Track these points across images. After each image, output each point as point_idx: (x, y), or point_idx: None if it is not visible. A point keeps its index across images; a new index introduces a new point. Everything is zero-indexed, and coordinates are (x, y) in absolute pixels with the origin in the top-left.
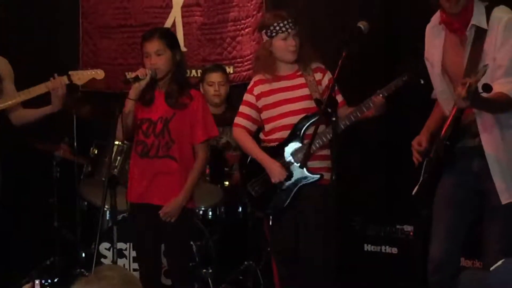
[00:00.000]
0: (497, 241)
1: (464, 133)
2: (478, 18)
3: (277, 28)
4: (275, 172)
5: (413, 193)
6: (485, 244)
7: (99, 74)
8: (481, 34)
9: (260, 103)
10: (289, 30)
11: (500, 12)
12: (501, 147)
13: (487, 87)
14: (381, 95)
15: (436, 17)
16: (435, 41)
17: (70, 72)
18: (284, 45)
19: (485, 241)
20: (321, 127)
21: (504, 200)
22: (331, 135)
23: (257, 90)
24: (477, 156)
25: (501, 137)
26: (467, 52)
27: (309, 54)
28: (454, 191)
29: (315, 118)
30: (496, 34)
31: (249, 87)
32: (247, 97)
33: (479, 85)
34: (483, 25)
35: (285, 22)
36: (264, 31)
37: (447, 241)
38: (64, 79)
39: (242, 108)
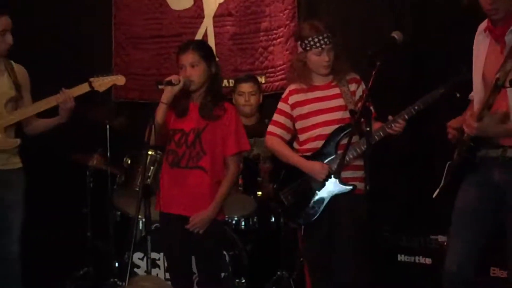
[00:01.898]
0: None
1: (487, 143)
2: None
3: (312, 42)
4: (317, 169)
5: (434, 196)
6: (510, 255)
7: (120, 79)
8: None
9: (295, 113)
10: (324, 46)
11: None
12: None
13: None
14: (416, 108)
15: (482, 25)
16: (480, 47)
17: (90, 79)
18: (317, 59)
19: (510, 252)
20: (355, 138)
21: None
22: (364, 146)
23: (292, 99)
24: (499, 167)
25: None
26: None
27: (344, 66)
28: (474, 203)
29: (349, 129)
30: None
31: (283, 96)
32: (281, 105)
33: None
34: None
35: (321, 37)
36: (300, 42)
37: (461, 255)
38: (85, 86)
39: (276, 117)
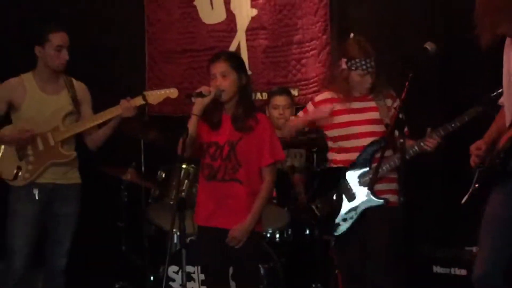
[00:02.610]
0: None
1: None
2: None
3: (358, 64)
4: (320, 109)
5: (463, 202)
6: None
7: (173, 92)
8: None
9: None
10: (369, 70)
11: None
12: None
13: None
14: (453, 126)
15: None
16: (508, 57)
17: (144, 92)
18: (361, 81)
19: None
20: (388, 152)
21: None
22: (398, 159)
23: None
24: None
25: None
26: None
27: (383, 85)
28: (502, 211)
29: (384, 143)
30: None
31: (317, 100)
32: (310, 107)
33: None
34: None
35: (368, 61)
36: (346, 60)
37: (488, 263)
38: (139, 100)
39: (301, 114)
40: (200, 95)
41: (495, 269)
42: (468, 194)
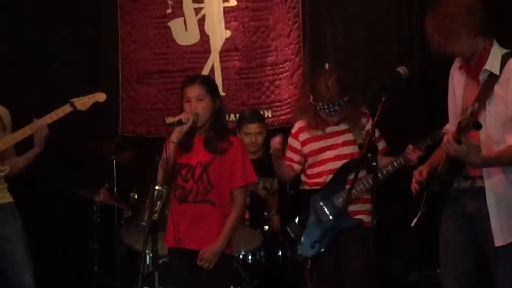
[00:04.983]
0: (508, 280)
1: (458, 174)
2: (491, 63)
3: (322, 107)
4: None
5: (412, 225)
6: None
7: (100, 96)
8: (492, 78)
9: (306, 149)
10: (332, 113)
11: None
12: (502, 190)
13: (477, 125)
14: (421, 147)
15: (457, 61)
16: (456, 84)
17: (72, 100)
18: (326, 118)
19: (496, 282)
20: (362, 173)
21: (497, 243)
22: (371, 180)
23: (302, 136)
24: (470, 198)
25: (505, 179)
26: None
27: (355, 113)
28: (455, 237)
29: (357, 164)
30: (508, 79)
31: (293, 132)
32: (292, 142)
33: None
34: (495, 70)
35: (331, 106)
36: (312, 96)
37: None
38: (68, 108)
39: (288, 153)
40: (180, 123)
41: None
42: (417, 217)
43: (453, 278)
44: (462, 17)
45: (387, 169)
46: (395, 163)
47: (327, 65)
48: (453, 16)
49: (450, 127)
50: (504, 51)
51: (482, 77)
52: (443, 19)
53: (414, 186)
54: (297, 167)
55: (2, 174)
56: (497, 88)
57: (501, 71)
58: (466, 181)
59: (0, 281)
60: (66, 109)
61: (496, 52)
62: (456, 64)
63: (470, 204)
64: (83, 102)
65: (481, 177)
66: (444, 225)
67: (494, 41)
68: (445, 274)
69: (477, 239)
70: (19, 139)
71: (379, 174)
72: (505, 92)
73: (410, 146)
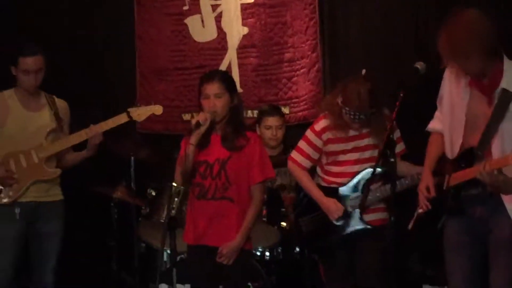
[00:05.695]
0: (504, 273)
1: (467, 183)
2: (507, 81)
3: (350, 113)
4: (332, 208)
5: (409, 228)
6: (493, 281)
7: (157, 109)
8: (507, 96)
9: (327, 149)
10: (356, 120)
11: None
12: None
13: None
14: None
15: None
16: (461, 83)
17: (129, 109)
18: (351, 121)
19: (493, 278)
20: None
21: None
22: (388, 189)
23: (326, 136)
24: (480, 203)
25: None
26: (491, 110)
27: (379, 120)
28: (461, 239)
29: (378, 170)
30: None
31: (317, 129)
32: (312, 137)
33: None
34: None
35: (358, 114)
36: (342, 99)
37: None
38: (124, 117)
39: (304, 146)
40: (198, 125)
41: None
42: (413, 220)
43: (461, 278)
44: (475, 41)
45: (406, 182)
46: (415, 177)
47: (364, 71)
48: (466, 39)
49: (438, 126)
50: None
51: (497, 94)
52: (456, 39)
53: (426, 204)
54: (310, 165)
55: (49, 177)
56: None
57: None
58: (476, 188)
59: (22, 272)
60: (122, 118)
61: (510, 69)
62: (451, 70)
63: (480, 208)
64: (139, 113)
65: None
66: (450, 226)
67: (504, 56)
68: (452, 274)
69: (485, 240)
70: (73, 143)
71: (397, 184)
72: None
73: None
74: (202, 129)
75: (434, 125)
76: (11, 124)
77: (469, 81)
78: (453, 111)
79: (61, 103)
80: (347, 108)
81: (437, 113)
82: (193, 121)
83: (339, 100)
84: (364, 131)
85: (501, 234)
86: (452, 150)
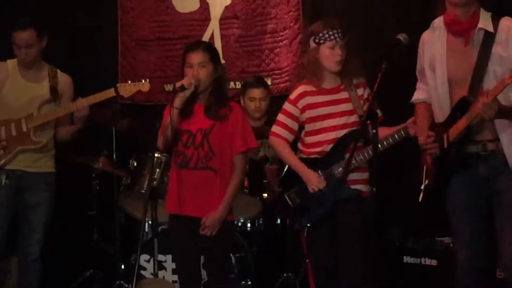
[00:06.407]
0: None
1: (467, 140)
2: (484, 22)
3: (326, 36)
4: (313, 180)
5: (420, 200)
6: (500, 242)
7: (145, 86)
8: (489, 38)
9: (304, 116)
10: (337, 39)
11: (509, 21)
12: None
13: None
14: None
15: (438, 21)
16: (437, 44)
17: (117, 85)
18: (330, 53)
19: (499, 238)
20: (361, 142)
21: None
22: (371, 151)
23: (302, 103)
24: (482, 161)
25: None
26: (475, 56)
27: (355, 69)
28: (467, 200)
29: (357, 134)
30: (507, 39)
31: (292, 98)
32: (288, 107)
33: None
34: (490, 29)
35: (334, 31)
36: (313, 37)
37: (470, 248)
38: (111, 92)
39: (282, 118)
40: (183, 88)
41: (479, 251)
42: (422, 191)
43: (470, 237)
44: None
45: (387, 141)
46: (396, 136)
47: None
48: None
49: (422, 96)
50: (489, 13)
51: (477, 36)
52: None
53: (435, 147)
54: (290, 136)
55: (34, 147)
56: (496, 48)
57: (495, 31)
58: (476, 145)
59: (10, 244)
60: (109, 93)
61: (485, 13)
62: (437, 22)
63: (483, 167)
64: (127, 89)
65: (492, 141)
66: (453, 193)
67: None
68: (461, 234)
69: (491, 201)
70: (60, 115)
71: (378, 145)
72: (506, 51)
73: (414, 119)
74: (187, 92)
75: (417, 95)
76: (7, 91)
77: (446, 20)
78: (435, 75)
79: (63, 78)
80: (322, 34)
81: (419, 84)
82: (178, 84)
83: (311, 41)
84: (342, 95)
85: (507, 196)
86: (443, 113)
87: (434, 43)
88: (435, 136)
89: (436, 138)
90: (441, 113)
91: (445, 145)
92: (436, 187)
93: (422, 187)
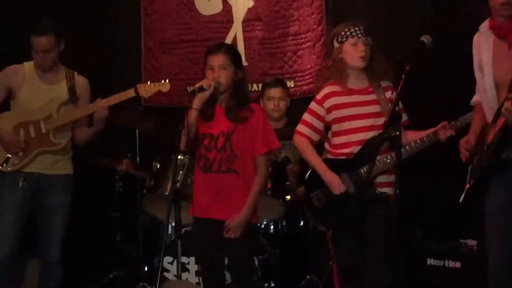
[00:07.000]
0: None
1: (509, 144)
2: None
3: (348, 33)
4: (334, 183)
5: (460, 200)
6: None
7: (165, 86)
8: None
9: (331, 116)
10: (359, 35)
11: None
12: None
13: None
14: (454, 126)
15: (484, 25)
16: (484, 48)
17: (137, 85)
18: (353, 50)
19: None
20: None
21: None
22: (395, 154)
23: (328, 103)
24: None
25: None
26: None
27: (381, 69)
28: (506, 202)
29: (384, 137)
30: None
31: (318, 98)
32: (315, 107)
33: None
34: None
35: (356, 28)
36: (336, 38)
37: (504, 253)
38: (131, 92)
39: (308, 117)
40: (202, 89)
41: (509, 258)
42: (464, 192)
43: (502, 244)
44: None
45: (416, 144)
46: (425, 139)
47: None
48: None
49: (479, 98)
50: None
51: None
52: None
53: (464, 153)
54: (316, 136)
55: (54, 148)
56: None
57: None
58: None
59: (31, 245)
60: (129, 93)
61: None
62: (483, 27)
63: None
64: (147, 89)
65: None
66: (493, 191)
67: None
68: (493, 241)
69: None
70: (80, 116)
71: (407, 147)
72: None
73: (446, 124)
74: (206, 93)
75: (475, 98)
76: (24, 94)
77: (490, 25)
78: (484, 78)
79: (80, 79)
80: (344, 32)
81: (477, 86)
82: (197, 85)
83: (335, 42)
84: (370, 97)
85: None
86: (493, 113)
87: (482, 47)
88: (473, 147)
89: (472, 148)
90: (492, 115)
91: (485, 146)
92: (477, 188)
93: (466, 187)
